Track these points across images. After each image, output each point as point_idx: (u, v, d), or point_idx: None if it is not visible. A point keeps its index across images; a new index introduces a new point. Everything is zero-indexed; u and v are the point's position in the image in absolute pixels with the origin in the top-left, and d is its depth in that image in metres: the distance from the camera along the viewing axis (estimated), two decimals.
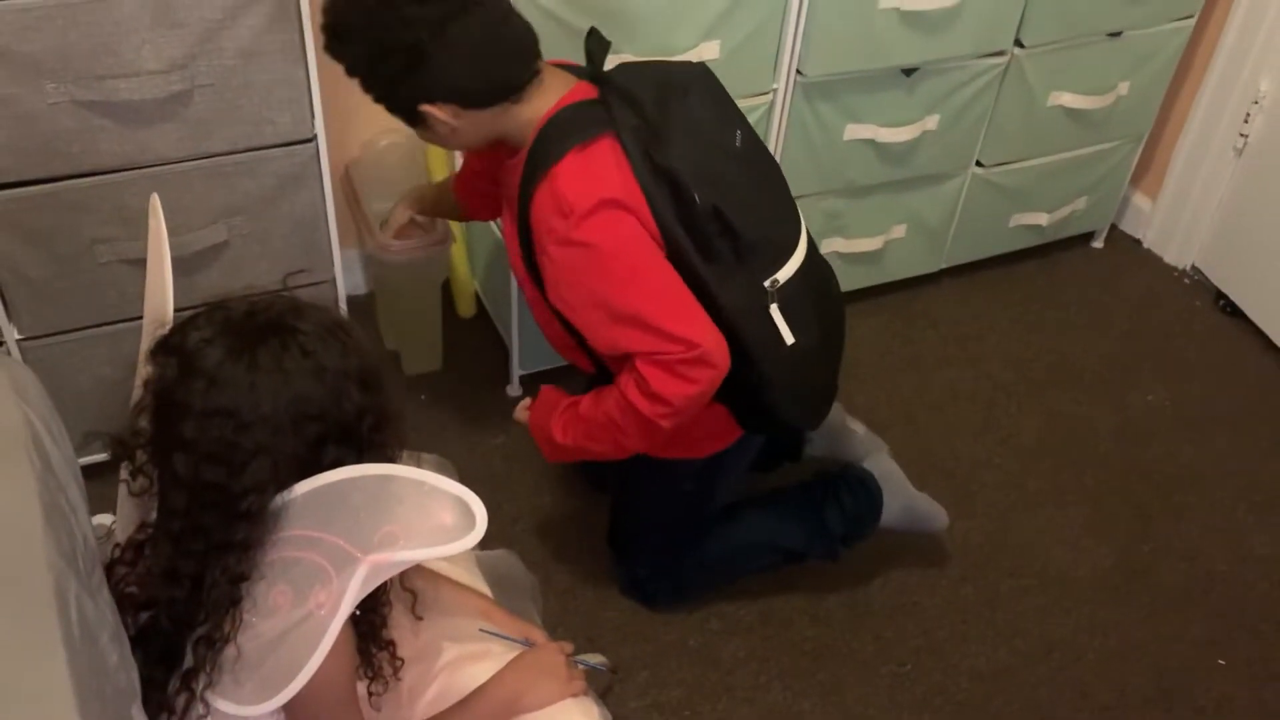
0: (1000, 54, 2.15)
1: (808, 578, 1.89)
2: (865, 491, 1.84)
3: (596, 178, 1.38)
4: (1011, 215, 2.48)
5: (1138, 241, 2.72)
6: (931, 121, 2.17)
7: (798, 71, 1.98)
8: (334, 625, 1.00)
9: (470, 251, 2.26)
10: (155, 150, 1.61)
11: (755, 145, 1.54)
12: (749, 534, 1.83)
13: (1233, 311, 2.53)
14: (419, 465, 1.19)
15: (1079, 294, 2.57)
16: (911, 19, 1.97)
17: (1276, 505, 2.10)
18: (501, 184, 1.55)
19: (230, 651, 1.01)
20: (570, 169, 1.38)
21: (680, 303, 1.40)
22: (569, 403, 1.57)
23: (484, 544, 1.07)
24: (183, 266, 1.71)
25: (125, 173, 1.62)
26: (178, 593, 1.01)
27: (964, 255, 2.52)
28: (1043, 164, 2.41)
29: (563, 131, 1.40)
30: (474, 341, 2.27)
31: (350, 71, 1.41)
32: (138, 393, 1.04)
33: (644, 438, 1.47)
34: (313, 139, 1.70)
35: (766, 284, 1.47)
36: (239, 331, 1.00)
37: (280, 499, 1.00)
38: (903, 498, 1.87)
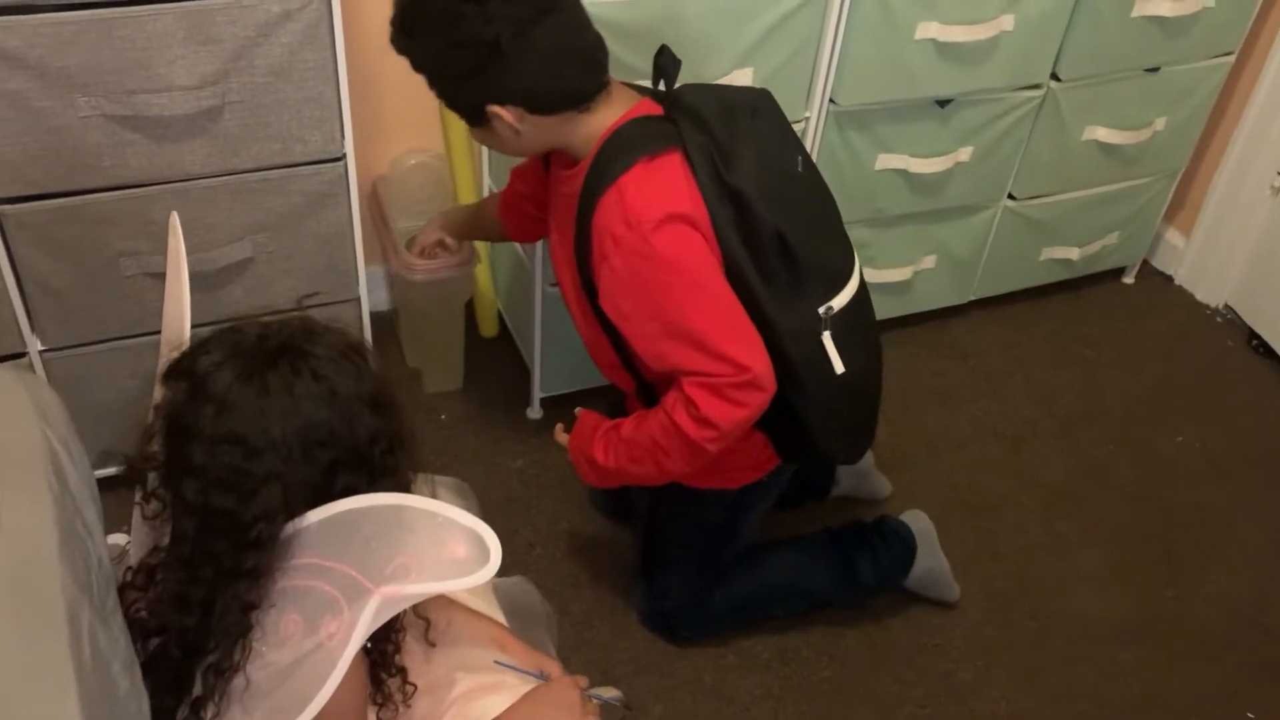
0: (1036, 87, 2.13)
1: (826, 616, 1.86)
2: (901, 545, 1.84)
3: (665, 190, 1.37)
4: (1042, 248, 2.45)
5: (1169, 278, 2.68)
6: (964, 153, 2.15)
7: (830, 100, 1.97)
8: (345, 657, 0.98)
9: (494, 272, 2.26)
10: (184, 166, 1.61)
11: (813, 172, 1.54)
12: (778, 575, 1.81)
13: (1265, 352, 2.49)
14: (436, 489, 1.18)
15: (1109, 330, 2.53)
16: (947, 50, 1.95)
17: None
18: (553, 195, 1.54)
19: (239, 681, 0.99)
20: (638, 180, 1.37)
21: (736, 324, 1.39)
22: (610, 425, 1.55)
23: (501, 570, 1.06)
24: (207, 282, 1.71)
25: (153, 187, 1.61)
26: (188, 620, 1.00)
27: (993, 288, 2.49)
28: (1075, 198, 2.38)
29: (630, 144, 1.39)
30: (496, 362, 2.26)
31: (418, 65, 1.39)
32: (150, 415, 1.03)
33: (688, 461, 1.46)
34: (342, 158, 1.70)
35: (821, 311, 1.47)
36: (250, 355, 0.99)
37: (292, 526, 0.99)
38: (930, 560, 1.86)
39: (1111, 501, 2.13)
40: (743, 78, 1.83)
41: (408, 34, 1.37)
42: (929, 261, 2.34)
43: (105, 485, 1.11)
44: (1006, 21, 1.96)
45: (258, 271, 1.76)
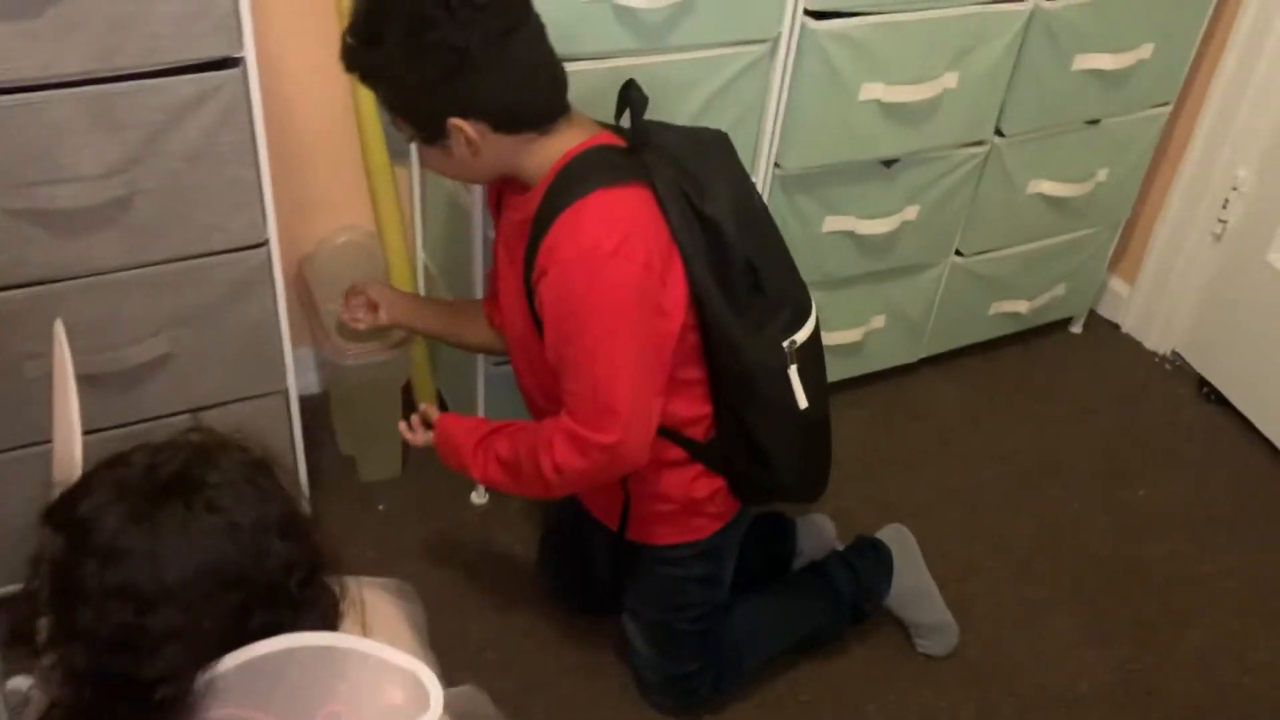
0: (980, 144, 2.09)
1: (798, 706, 1.77)
2: (875, 553, 1.82)
3: (624, 220, 1.32)
4: (991, 303, 2.42)
5: (1116, 326, 2.67)
6: (911, 212, 2.10)
7: (776, 164, 1.91)
8: None
9: (431, 348, 2.15)
10: (92, 259, 1.48)
11: (766, 209, 1.53)
12: (764, 617, 1.76)
13: (1217, 399, 2.47)
14: (374, 594, 1.06)
15: (1061, 383, 2.50)
16: (892, 111, 1.90)
17: (1277, 607, 2.02)
18: (505, 224, 1.49)
19: None
20: (598, 205, 1.32)
21: (639, 383, 1.34)
22: (482, 439, 1.51)
23: (449, 678, 0.96)
24: (121, 382, 1.59)
25: (59, 284, 1.49)
26: None
27: (944, 344, 2.45)
28: (1022, 252, 2.35)
29: (591, 169, 1.34)
30: None
31: (379, 74, 1.33)
32: (30, 570, 0.90)
33: (533, 488, 1.45)
34: (264, 244, 1.58)
35: (785, 345, 1.45)
36: (137, 493, 0.87)
37: (204, 677, 0.87)
38: (914, 577, 1.83)
39: (1080, 563, 2.07)
40: None
41: (371, 41, 1.29)
42: (879, 321, 2.28)
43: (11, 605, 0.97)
44: (951, 79, 1.92)
45: (176, 368, 1.63)
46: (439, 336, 1.79)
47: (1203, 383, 2.50)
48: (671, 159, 1.38)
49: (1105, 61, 2.07)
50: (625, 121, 1.45)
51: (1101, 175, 2.30)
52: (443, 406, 2.20)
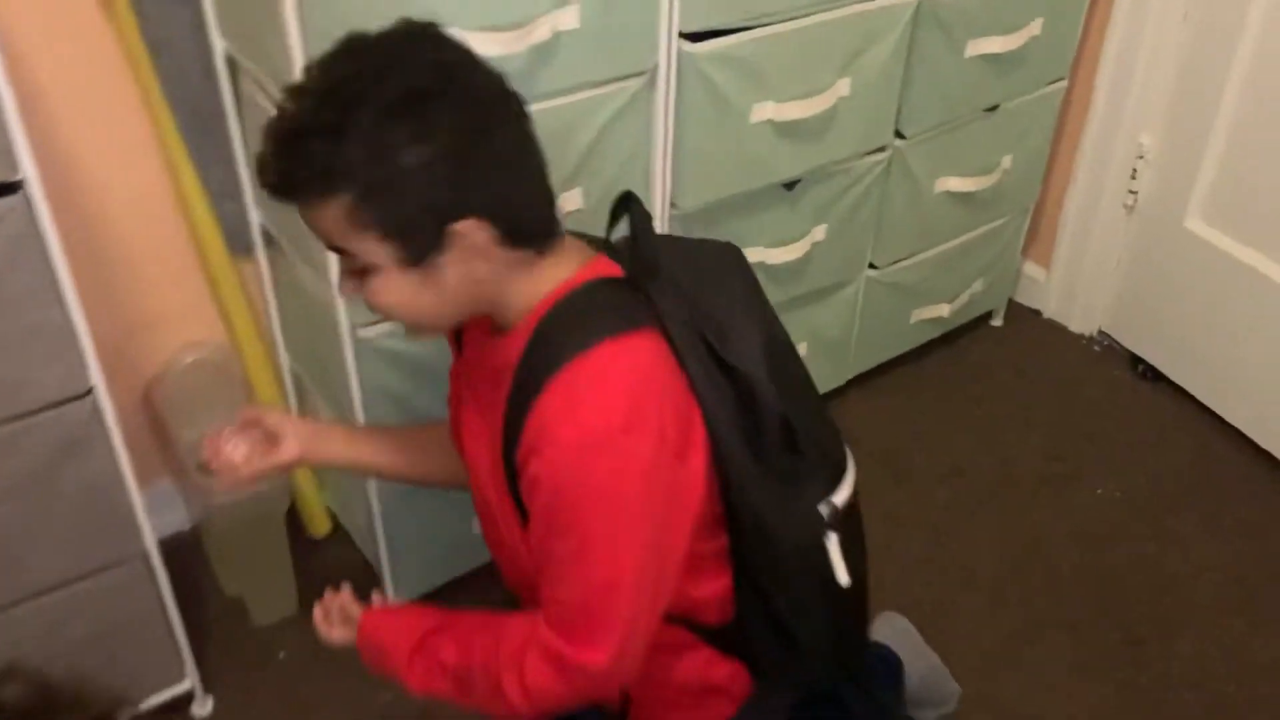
0: (882, 150, 1.93)
1: None
2: (881, 662, 1.55)
3: (638, 381, 1.03)
4: (912, 312, 2.27)
5: (1037, 313, 2.55)
6: (820, 232, 1.93)
7: (672, 205, 1.71)
8: None
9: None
10: None
11: (792, 345, 1.24)
12: None
13: (1153, 376, 2.36)
14: None
15: (993, 381, 2.36)
16: (787, 130, 1.73)
17: (1260, 598, 1.90)
18: (476, 369, 1.18)
19: None
20: (604, 363, 1.03)
21: (641, 597, 1.05)
22: (419, 641, 1.17)
23: None
24: None
25: None
26: None
27: (868, 361, 2.29)
28: (936, 254, 2.20)
29: (593, 310, 1.06)
30: (334, 568, 1.88)
31: (345, 177, 0.96)
32: None
33: (494, 707, 1.12)
34: (88, 392, 1.32)
35: (823, 510, 1.17)
36: None
37: None
38: (922, 663, 1.61)
39: (1052, 584, 1.92)
40: (571, 200, 1.56)
41: (337, 133, 0.95)
42: (801, 349, 2.10)
43: None
44: (843, 87, 1.76)
45: (6, 547, 1.36)
46: (378, 472, 1.41)
47: (1136, 360, 2.40)
48: (682, 293, 1.09)
49: (997, 44, 1.94)
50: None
51: (1006, 163, 2.17)
52: (336, 528, 1.95)
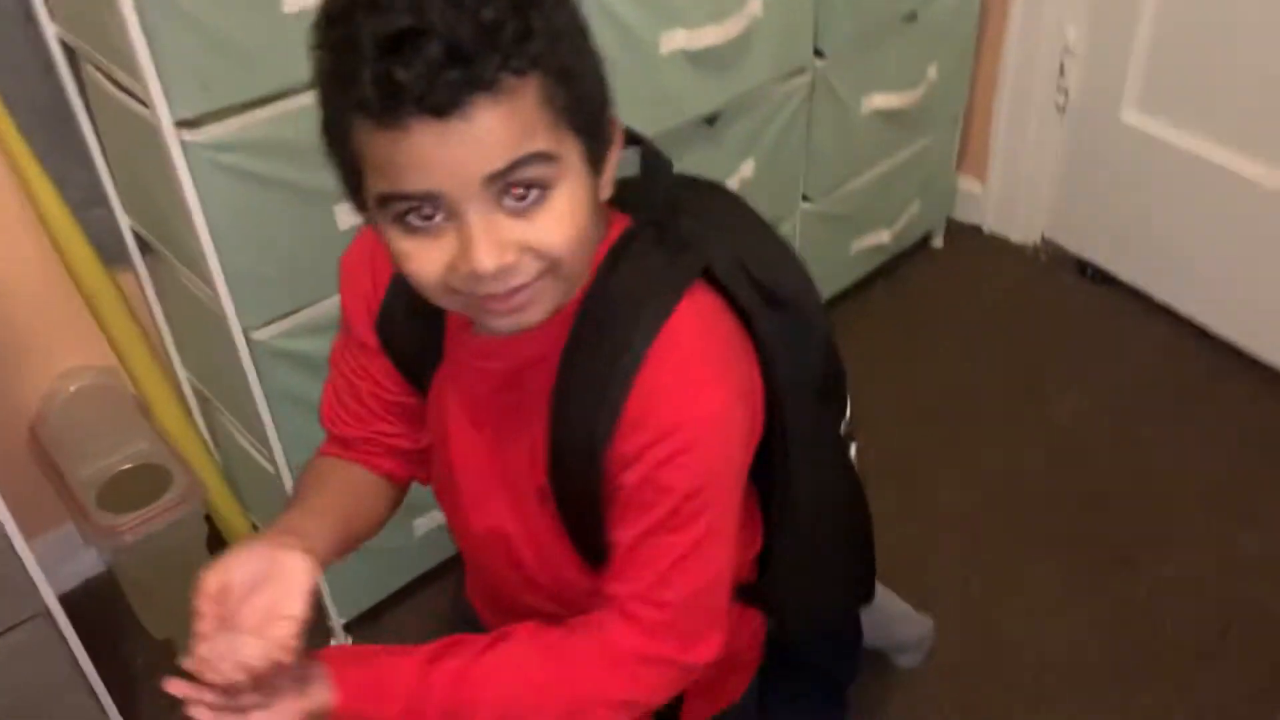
0: (802, 71, 1.80)
1: None
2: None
3: (721, 343, 0.88)
4: (852, 242, 2.15)
5: (978, 229, 2.45)
6: (748, 168, 1.80)
7: None
8: None
9: (235, 483, 1.72)
10: None
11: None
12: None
13: (1101, 279, 2.28)
14: None
15: (940, 306, 2.27)
16: (700, 59, 1.59)
17: (1240, 493, 1.84)
18: (465, 370, 0.96)
19: None
20: (691, 321, 0.86)
21: (729, 576, 0.94)
22: (417, 673, 0.90)
23: None
24: None
25: None
26: None
27: None
28: (871, 179, 2.09)
29: (648, 268, 0.87)
30: None
31: (554, 40, 0.75)
32: None
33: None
34: None
35: (843, 432, 1.11)
36: None
37: None
38: (882, 614, 1.48)
39: (1033, 507, 1.84)
40: None
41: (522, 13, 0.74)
42: None
43: None
44: (755, 6, 1.62)
45: None
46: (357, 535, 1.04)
47: (1083, 265, 2.32)
48: (712, 227, 0.93)
49: None
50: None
51: (932, 73, 2.05)
52: None
